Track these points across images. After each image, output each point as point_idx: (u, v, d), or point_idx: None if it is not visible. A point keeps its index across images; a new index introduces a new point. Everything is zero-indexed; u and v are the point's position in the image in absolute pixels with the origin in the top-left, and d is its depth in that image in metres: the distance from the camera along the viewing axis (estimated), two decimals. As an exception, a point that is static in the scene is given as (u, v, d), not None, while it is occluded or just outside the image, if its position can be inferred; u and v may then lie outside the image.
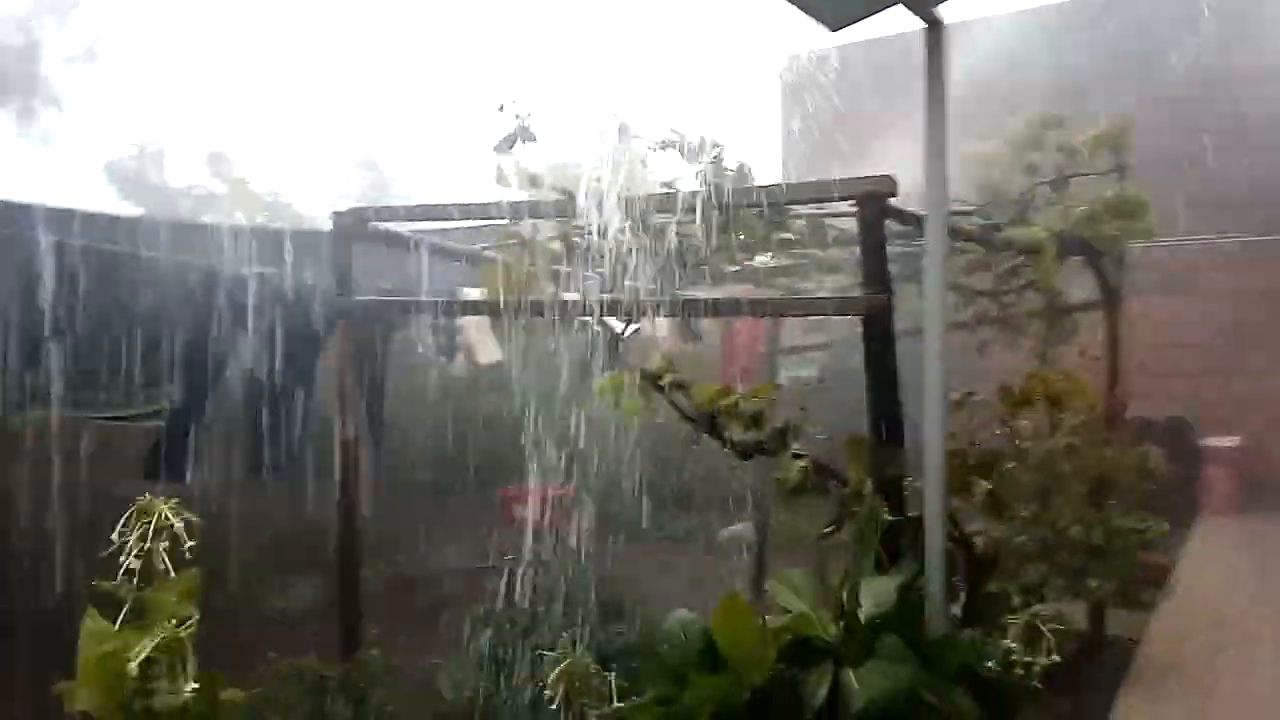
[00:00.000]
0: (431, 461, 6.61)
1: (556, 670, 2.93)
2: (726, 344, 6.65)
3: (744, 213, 3.66)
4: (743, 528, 6.95)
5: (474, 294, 4.64)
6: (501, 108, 3.52)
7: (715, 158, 3.61)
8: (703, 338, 5.99)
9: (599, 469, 5.19)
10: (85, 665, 2.38)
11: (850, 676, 2.00)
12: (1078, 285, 5.25)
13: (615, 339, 3.42)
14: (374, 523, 4.72)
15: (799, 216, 4.02)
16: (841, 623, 2.27)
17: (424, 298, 4.62)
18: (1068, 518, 4.34)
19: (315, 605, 5.14)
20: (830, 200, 3.38)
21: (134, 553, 2.43)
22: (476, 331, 6.17)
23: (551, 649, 3.04)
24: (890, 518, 2.73)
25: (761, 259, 4.43)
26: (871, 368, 3.04)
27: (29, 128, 12.78)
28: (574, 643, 3.10)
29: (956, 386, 3.08)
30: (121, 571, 2.41)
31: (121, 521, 2.47)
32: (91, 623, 2.39)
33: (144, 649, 2.36)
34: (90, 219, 4.56)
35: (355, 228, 4.17)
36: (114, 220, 4.89)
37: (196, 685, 2.40)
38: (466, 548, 6.10)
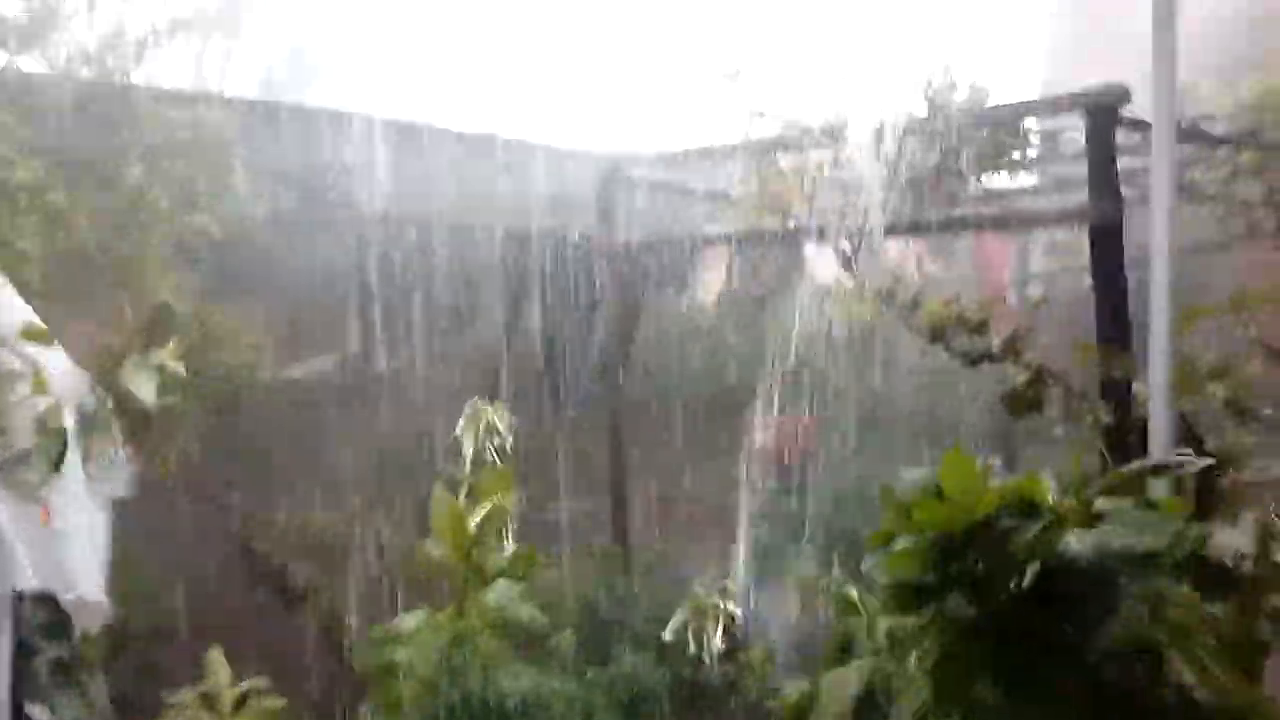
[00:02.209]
0: (683, 393, 7.03)
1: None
2: (975, 267, 6.65)
3: (975, 133, 3.77)
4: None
5: (716, 230, 5.02)
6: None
7: (946, 82, 3.75)
8: (940, 260, 6.05)
9: (836, 401, 5.47)
10: (437, 524, 3.15)
11: (1071, 534, 2.10)
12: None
13: (848, 259, 3.70)
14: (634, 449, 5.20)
15: (1034, 133, 4.05)
16: (1066, 498, 2.34)
17: (677, 236, 5.05)
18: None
19: (586, 516, 5.75)
20: (1058, 114, 3.43)
21: (470, 444, 3.21)
22: (710, 270, 6.54)
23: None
24: (1110, 418, 2.85)
25: (997, 180, 4.47)
26: (1099, 278, 3.13)
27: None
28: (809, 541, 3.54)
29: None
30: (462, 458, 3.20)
31: (460, 423, 3.29)
32: (440, 494, 3.17)
33: (478, 514, 3.09)
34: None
35: (614, 175, 4.69)
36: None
37: (514, 546, 3.13)
38: (712, 472, 6.55)
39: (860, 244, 3.90)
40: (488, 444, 3.26)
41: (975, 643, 2.26)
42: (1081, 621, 2.12)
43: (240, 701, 3.54)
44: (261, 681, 3.61)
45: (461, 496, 3.18)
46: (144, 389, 2.53)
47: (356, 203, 4.54)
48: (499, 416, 3.33)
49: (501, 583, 3.09)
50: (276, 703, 3.59)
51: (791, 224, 4.12)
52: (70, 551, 2.62)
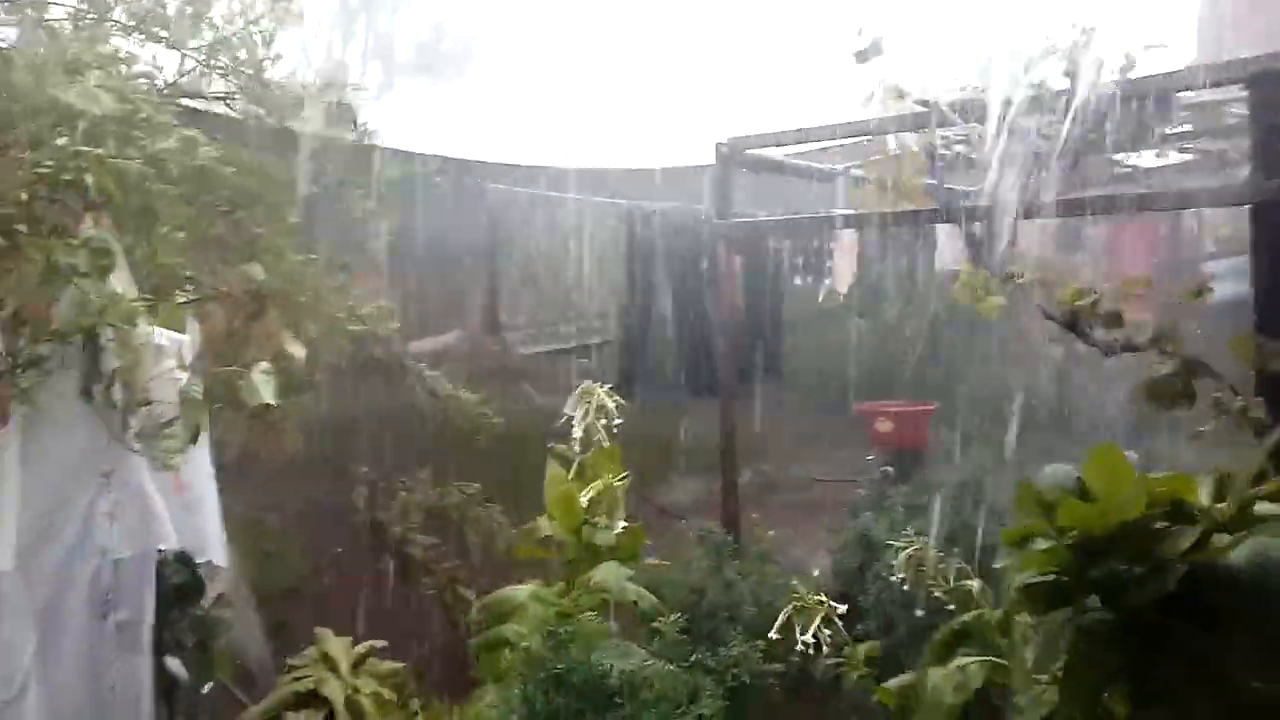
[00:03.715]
0: (809, 380, 6.90)
1: (903, 556, 3.27)
2: (1112, 253, 6.24)
3: (1122, 107, 3.51)
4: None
5: (839, 212, 4.88)
6: (860, 31, 3.68)
7: (1089, 52, 3.50)
8: (1083, 245, 5.72)
9: (960, 390, 5.24)
10: (550, 500, 3.19)
11: (1227, 540, 1.91)
12: None
13: (976, 241, 3.52)
14: (752, 434, 5.13)
15: (1191, 107, 3.75)
16: (1223, 503, 2.14)
17: (799, 217, 4.93)
18: None
19: (699, 500, 5.72)
20: (1217, 84, 3.16)
21: (582, 423, 3.23)
22: (840, 257, 6.36)
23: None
24: (1267, 415, 2.61)
25: (1146, 159, 4.17)
26: (1259, 261, 2.87)
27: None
28: (920, 533, 3.39)
29: None
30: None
31: (569, 403, 3.30)
32: (553, 472, 3.22)
33: (589, 492, 3.12)
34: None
35: (735, 155, 4.60)
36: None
37: (626, 524, 3.13)
38: (831, 459, 6.42)
39: (993, 228, 3.70)
40: (597, 424, 3.26)
41: (1111, 651, 2.12)
42: (1231, 638, 1.95)
43: (359, 662, 3.68)
44: (379, 644, 3.75)
45: (571, 475, 3.21)
46: (266, 390, 2.62)
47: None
48: (608, 397, 3.33)
49: (610, 562, 3.11)
50: (393, 665, 3.72)
51: (919, 207, 3.95)
52: (201, 518, 2.76)
